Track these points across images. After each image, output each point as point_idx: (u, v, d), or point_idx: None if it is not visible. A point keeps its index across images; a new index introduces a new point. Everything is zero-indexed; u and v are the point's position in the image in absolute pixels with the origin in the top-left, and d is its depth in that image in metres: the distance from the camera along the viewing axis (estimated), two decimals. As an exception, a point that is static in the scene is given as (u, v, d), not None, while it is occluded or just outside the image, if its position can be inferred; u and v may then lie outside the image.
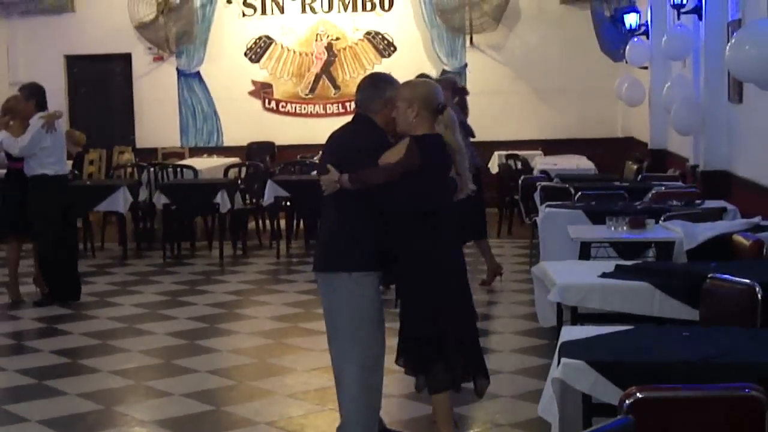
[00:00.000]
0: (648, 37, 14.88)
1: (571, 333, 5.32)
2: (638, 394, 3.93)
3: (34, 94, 10.80)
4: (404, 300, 6.04)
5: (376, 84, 6.13)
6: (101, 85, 19.39)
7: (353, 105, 6.38)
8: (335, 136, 6.13)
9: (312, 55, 18.82)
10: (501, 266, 11.47)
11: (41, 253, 10.93)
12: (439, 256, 5.92)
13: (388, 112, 5.99)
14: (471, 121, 18.59)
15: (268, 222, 14.81)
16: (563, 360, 4.76)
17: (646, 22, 15.04)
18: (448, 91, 10.72)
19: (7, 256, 11.26)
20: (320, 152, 6.75)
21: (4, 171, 11.17)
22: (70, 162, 16.08)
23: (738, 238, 7.62)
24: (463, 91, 11.18)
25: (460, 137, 6.05)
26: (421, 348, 5.97)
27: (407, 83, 6.21)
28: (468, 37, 18.52)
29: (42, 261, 10.94)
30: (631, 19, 15.15)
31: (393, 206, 5.86)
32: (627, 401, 3.93)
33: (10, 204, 10.90)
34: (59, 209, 10.85)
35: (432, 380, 6.00)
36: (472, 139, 11.04)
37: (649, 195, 10.59)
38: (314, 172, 12.13)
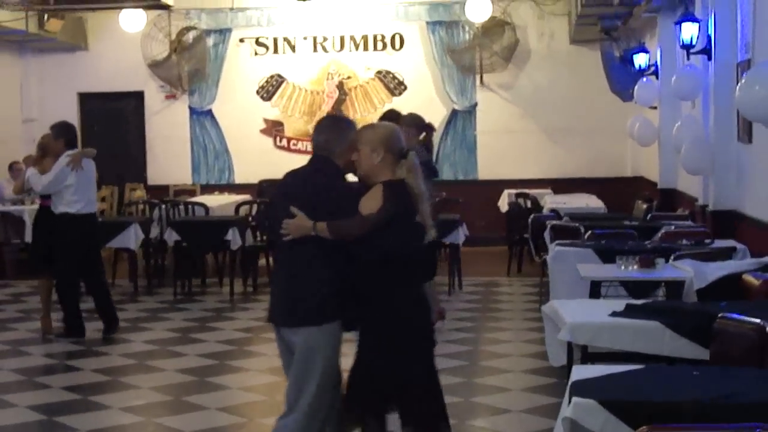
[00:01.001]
0: (657, 78, 14.93)
1: (581, 372, 5.32)
2: (649, 434, 3.94)
3: (63, 133, 10.99)
4: (371, 344, 5.66)
5: (339, 126, 5.93)
6: (114, 123, 19.49)
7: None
8: (296, 179, 5.84)
9: (323, 93, 18.93)
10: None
11: (58, 289, 11.05)
12: (412, 302, 5.74)
13: (348, 155, 5.78)
14: (480, 158, 18.80)
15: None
16: (574, 399, 4.77)
17: (656, 62, 15.10)
18: (413, 128, 10.67)
19: (40, 290, 11.51)
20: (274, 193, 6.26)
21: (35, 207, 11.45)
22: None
23: (748, 277, 7.63)
24: (429, 128, 11.08)
25: (422, 183, 5.84)
26: (381, 392, 5.66)
27: (369, 126, 6.15)
28: (478, 77, 18.61)
29: (60, 297, 11.05)
30: (640, 60, 15.21)
31: (373, 255, 5.59)
32: (638, 440, 3.93)
33: (39, 240, 11.15)
34: (80, 248, 10.95)
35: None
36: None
37: (659, 234, 10.61)
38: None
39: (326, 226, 5.53)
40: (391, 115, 11.21)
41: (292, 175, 5.89)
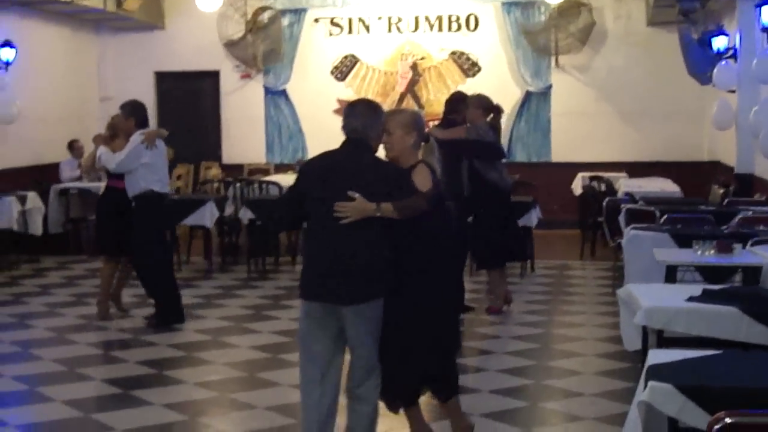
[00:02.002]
0: (736, 61, 14.73)
1: (658, 356, 5.28)
2: (727, 419, 3.86)
3: (134, 112, 10.78)
4: (418, 319, 6.04)
5: (376, 111, 6.14)
6: (190, 102, 19.68)
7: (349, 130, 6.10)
8: (342, 162, 5.98)
9: (397, 74, 18.93)
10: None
11: (141, 275, 10.86)
12: (453, 278, 6.40)
13: (380, 138, 6.14)
14: (555, 141, 18.72)
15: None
16: (650, 383, 4.74)
17: (734, 45, 14.90)
18: (480, 110, 10.76)
19: (101, 274, 11.39)
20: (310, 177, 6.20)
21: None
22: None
23: (827, 264, 7.53)
24: (497, 110, 11.12)
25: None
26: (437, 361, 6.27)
27: (398, 111, 6.55)
28: (553, 59, 18.51)
29: (145, 282, 10.86)
30: (719, 43, 15.01)
31: (433, 232, 6.03)
32: (716, 426, 3.86)
33: (108, 222, 10.94)
34: (162, 227, 10.90)
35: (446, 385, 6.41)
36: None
37: (736, 219, 10.48)
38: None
39: (392, 207, 5.77)
40: (458, 96, 11.29)
41: (331, 158, 6.06)
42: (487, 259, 11.16)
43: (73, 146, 17.01)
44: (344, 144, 6.06)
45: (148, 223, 10.60)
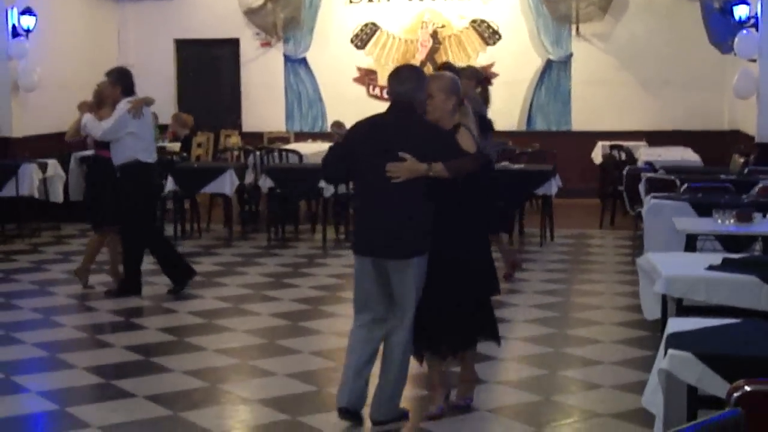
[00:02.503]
0: (757, 30, 14.65)
1: (678, 324, 5.30)
2: (746, 387, 3.85)
3: (120, 79, 10.57)
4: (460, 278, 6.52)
5: (421, 76, 6.49)
6: (209, 69, 19.68)
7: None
8: (392, 126, 6.35)
9: (417, 42, 18.87)
10: None
11: (124, 243, 10.70)
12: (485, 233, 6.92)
13: (424, 102, 6.45)
14: (575, 109, 18.67)
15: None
16: (670, 351, 4.76)
17: (756, 14, 14.81)
18: (473, 81, 10.91)
19: (88, 243, 11.35)
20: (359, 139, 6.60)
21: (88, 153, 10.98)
22: (178, 144, 16.42)
23: None
24: (486, 82, 11.30)
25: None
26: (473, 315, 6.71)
27: (439, 75, 6.89)
28: (574, 27, 18.41)
29: (126, 250, 10.71)
30: (740, 11, 14.94)
31: (479, 192, 6.46)
32: (735, 394, 3.85)
33: (94, 192, 10.93)
34: (149, 197, 10.76)
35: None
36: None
37: (756, 188, 10.45)
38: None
39: (443, 166, 6.18)
40: (448, 68, 11.37)
41: (380, 122, 6.43)
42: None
43: None
44: (391, 108, 6.41)
45: (134, 193, 10.47)
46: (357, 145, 6.42)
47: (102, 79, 10.77)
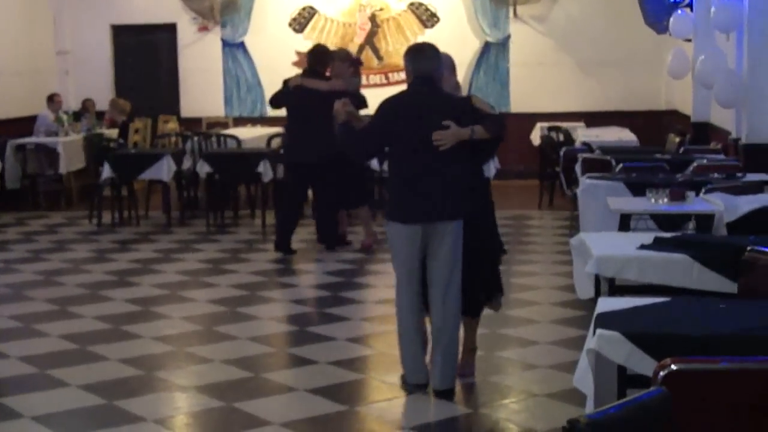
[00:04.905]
0: (692, 10, 14.74)
1: (607, 304, 5.33)
2: (673, 366, 3.89)
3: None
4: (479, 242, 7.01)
5: (438, 53, 6.92)
6: (147, 55, 19.48)
7: (403, 73, 7.19)
8: (428, 98, 6.78)
9: (355, 25, 18.82)
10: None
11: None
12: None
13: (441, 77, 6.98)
14: (513, 91, 18.75)
15: (310, 192, 14.86)
16: (599, 331, 4.78)
17: (691, -7, 14.90)
18: (346, 62, 11.53)
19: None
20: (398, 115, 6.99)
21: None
22: (115, 131, 16.32)
23: (779, 211, 7.59)
24: (358, 62, 12.24)
25: None
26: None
27: (445, 55, 7.19)
28: (512, 9, 18.44)
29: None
30: (675, -9, 15.01)
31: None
32: (661, 373, 3.88)
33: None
34: None
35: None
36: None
37: (691, 168, 10.54)
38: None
39: (484, 128, 6.66)
40: (322, 49, 11.97)
41: (413, 97, 6.84)
42: (351, 199, 12.00)
43: (53, 99, 16.94)
44: (417, 84, 6.83)
45: None
46: (393, 121, 6.79)
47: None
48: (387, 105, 6.89)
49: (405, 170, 6.78)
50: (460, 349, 7.08)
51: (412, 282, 6.79)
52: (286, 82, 11.72)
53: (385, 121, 6.85)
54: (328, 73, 11.58)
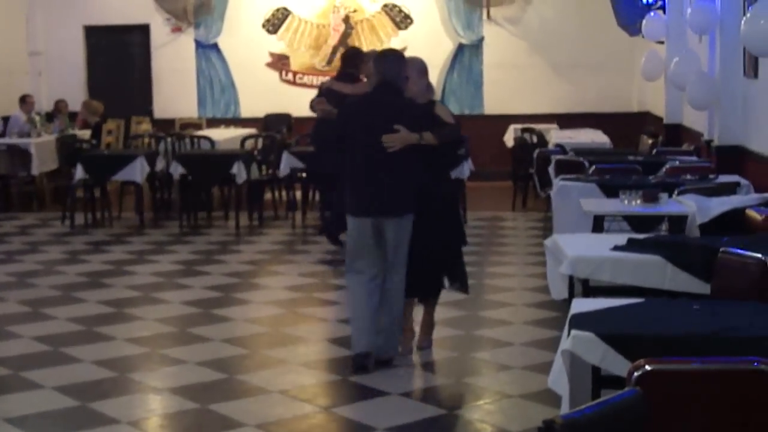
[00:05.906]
0: (665, 12, 14.81)
1: (581, 305, 5.34)
2: (647, 367, 3.90)
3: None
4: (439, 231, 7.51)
5: (402, 59, 7.40)
6: (120, 56, 19.41)
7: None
8: (383, 103, 7.21)
9: (329, 26, 18.82)
10: None
11: None
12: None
13: (405, 82, 7.34)
14: (487, 93, 18.79)
15: (284, 193, 14.87)
16: (573, 332, 4.80)
17: (663, -4, 14.96)
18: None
19: None
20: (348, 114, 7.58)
21: None
22: (88, 132, 16.25)
23: (751, 212, 7.63)
24: None
25: None
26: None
27: (412, 59, 7.66)
28: (485, 11, 18.49)
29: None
30: (648, -6, 15.07)
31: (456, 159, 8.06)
32: (635, 373, 3.89)
33: None
34: None
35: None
36: None
37: (663, 169, 10.59)
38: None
39: (433, 135, 7.14)
40: (354, 52, 12.00)
41: (371, 101, 7.36)
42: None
43: (25, 100, 16.84)
44: (379, 87, 7.29)
45: None
46: (351, 123, 7.31)
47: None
48: (347, 105, 7.62)
49: (358, 167, 7.27)
50: (417, 326, 7.83)
51: (365, 268, 7.32)
52: (320, 87, 11.76)
53: (344, 120, 7.47)
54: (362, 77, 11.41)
